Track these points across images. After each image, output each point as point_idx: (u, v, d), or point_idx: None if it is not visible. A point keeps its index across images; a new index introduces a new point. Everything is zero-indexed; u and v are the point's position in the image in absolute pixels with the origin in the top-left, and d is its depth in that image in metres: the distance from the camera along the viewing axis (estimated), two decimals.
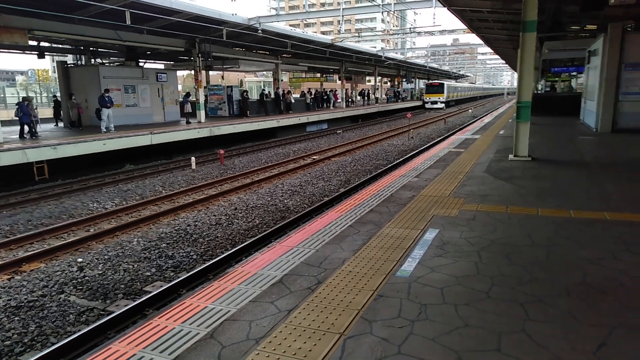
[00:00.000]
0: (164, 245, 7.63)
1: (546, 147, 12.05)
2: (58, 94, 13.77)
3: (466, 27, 20.63)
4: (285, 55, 30.01)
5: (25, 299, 5.72)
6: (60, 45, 22.05)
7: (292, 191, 11.45)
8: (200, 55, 21.62)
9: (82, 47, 22.55)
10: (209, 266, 6.61)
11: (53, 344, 4.79)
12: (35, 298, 5.74)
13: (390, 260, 4.41)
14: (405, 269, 4.19)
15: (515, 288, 3.74)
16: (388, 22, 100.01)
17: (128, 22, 15.09)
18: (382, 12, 25.05)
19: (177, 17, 16.80)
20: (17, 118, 15.97)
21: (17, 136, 15.68)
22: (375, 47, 49.73)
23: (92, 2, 13.77)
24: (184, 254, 7.27)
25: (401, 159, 15.97)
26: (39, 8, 13.77)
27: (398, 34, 45.40)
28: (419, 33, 32.61)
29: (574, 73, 26.14)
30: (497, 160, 10.28)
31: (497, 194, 7.01)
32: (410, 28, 36.93)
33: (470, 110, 48.00)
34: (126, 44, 19.31)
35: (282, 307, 3.59)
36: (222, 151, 16.40)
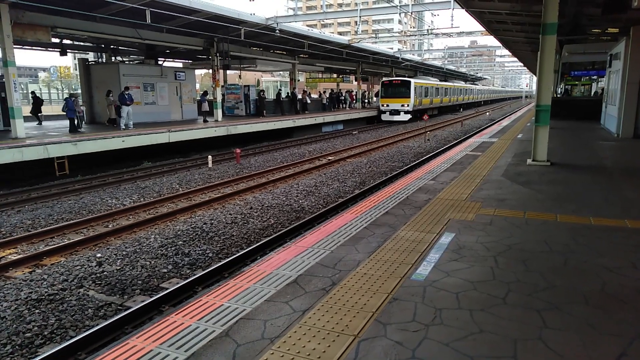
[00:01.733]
0: (180, 242, 7.73)
1: (565, 152, 11.88)
2: (35, 91, 14.08)
3: (484, 29, 20.44)
4: (302, 55, 30.09)
5: (46, 292, 5.84)
6: (81, 43, 22.44)
7: (307, 191, 11.48)
8: (218, 54, 21.81)
9: (103, 45, 22.93)
10: (225, 264, 6.67)
11: (72, 337, 4.89)
12: (56, 291, 5.86)
13: (405, 264, 4.41)
14: (420, 273, 4.19)
15: (531, 295, 3.71)
16: (405, 23, 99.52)
17: (148, 20, 15.30)
18: (400, 13, 24.94)
19: (197, 16, 16.97)
20: (64, 113, 17.30)
21: (67, 130, 16.80)
22: (392, 48, 49.04)
23: (113, 1, 13.99)
24: (200, 252, 7.35)
25: (417, 161, 15.89)
26: (62, 6, 14.05)
27: (415, 35, 45.18)
28: (436, 35, 32.41)
29: (595, 77, 25.70)
30: (515, 164, 10.17)
31: (515, 199, 6.94)
32: (427, 29, 36.72)
33: (487, 114, 47.48)
34: (146, 42, 19.58)
35: (297, 307, 3.61)
36: (238, 150, 16.52)
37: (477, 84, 73.12)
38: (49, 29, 15.07)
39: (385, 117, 34.26)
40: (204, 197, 11.35)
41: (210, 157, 15.98)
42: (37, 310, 5.42)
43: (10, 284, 6.18)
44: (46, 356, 4.34)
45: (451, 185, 8.07)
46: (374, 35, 30.47)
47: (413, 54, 47.78)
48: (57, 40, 19.61)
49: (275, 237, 7.88)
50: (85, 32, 17.25)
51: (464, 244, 4.92)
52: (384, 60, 38.16)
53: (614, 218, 5.88)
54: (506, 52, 37.86)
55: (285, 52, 28.31)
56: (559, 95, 28.03)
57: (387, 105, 34.20)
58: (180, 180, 13.17)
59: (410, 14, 25.40)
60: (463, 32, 30.22)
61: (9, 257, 7.29)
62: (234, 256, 6.95)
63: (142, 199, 10.97)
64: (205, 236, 8.08)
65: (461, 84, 59.37)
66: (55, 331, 5.05)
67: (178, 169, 15.28)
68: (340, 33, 71.74)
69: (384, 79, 36.31)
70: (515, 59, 44.54)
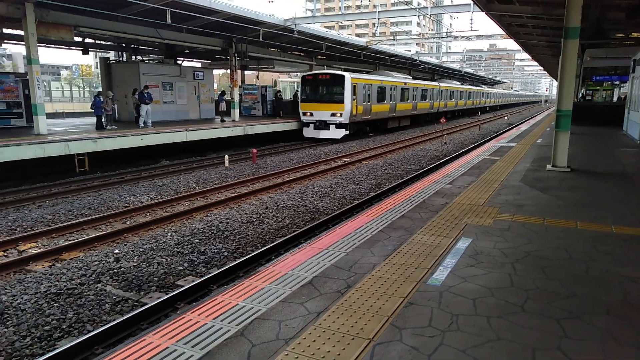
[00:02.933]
0: (196, 240, 7.79)
1: (586, 158, 11.66)
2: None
3: (504, 33, 20.19)
4: (319, 56, 30.12)
5: (65, 286, 5.94)
6: (103, 42, 22.83)
7: (322, 193, 11.47)
8: (236, 54, 21.97)
9: (124, 44, 23.28)
10: (240, 263, 6.70)
11: (89, 331, 4.96)
12: (74, 286, 5.96)
13: (421, 268, 4.37)
14: (436, 278, 4.15)
15: (551, 303, 3.64)
16: (424, 25, 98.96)
17: (168, 20, 15.49)
18: (418, 16, 24.81)
19: (216, 16, 17.12)
20: (92, 110, 17.99)
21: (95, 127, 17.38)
22: (409, 51, 48.78)
23: (135, 1, 14.20)
24: (216, 250, 7.40)
25: (434, 165, 15.76)
26: (85, 5, 14.31)
27: (434, 37, 44.92)
28: (455, 37, 32.12)
29: (617, 82, 25.20)
30: (534, 169, 10.02)
31: (534, 205, 6.83)
32: (446, 32, 36.45)
33: (506, 118, 46.90)
34: (166, 42, 19.82)
35: (312, 309, 3.61)
36: (254, 150, 16.60)
37: (481, 87, 60.36)
38: (72, 28, 15.36)
39: (308, 132, 23.01)
40: (220, 196, 11.43)
41: (227, 156, 16.08)
42: (56, 304, 5.51)
43: (30, 277, 6.30)
44: (64, 349, 4.41)
45: (468, 189, 7.98)
46: (392, 38, 30.27)
47: (431, 57, 47.42)
48: (79, 39, 19.96)
49: (290, 237, 7.90)
50: (107, 32, 17.54)
51: (481, 250, 4.86)
52: (401, 62, 38.01)
53: (637, 226, 5.74)
54: (526, 55, 37.07)
55: (302, 54, 28.38)
56: (578, 100, 27.58)
57: (310, 114, 22.81)
58: (197, 178, 13.29)
59: (429, 16, 25.25)
60: (482, 35, 29.91)
61: (30, 250, 7.44)
62: (249, 256, 6.98)
63: (159, 197, 11.09)
64: (220, 235, 8.14)
65: (456, 84, 46.29)
66: (73, 325, 5.13)
67: (195, 168, 15.42)
68: (358, 35, 71.67)
69: (307, 73, 24.63)
70: (535, 63, 43.96)
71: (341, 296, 3.81)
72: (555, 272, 4.28)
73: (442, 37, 40.26)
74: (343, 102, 22.30)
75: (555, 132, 9.93)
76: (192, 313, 3.61)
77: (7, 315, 5.22)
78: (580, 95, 28.64)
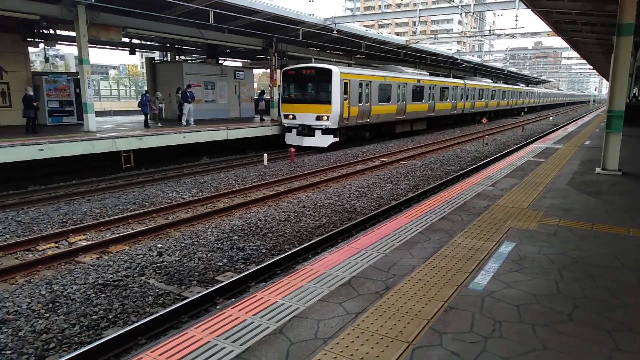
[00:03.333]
0: (235, 237, 7.93)
1: (639, 161, 11.07)
2: (29, 90, 14.57)
3: (551, 30, 19.44)
4: (358, 55, 29.99)
5: (111, 277, 6.19)
6: (149, 43, 23.60)
7: (359, 192, 11.43)
8: (276, 54, 22.19)
9: (168, 45, 24.00)
10: (277, 261, 6.77)
11: (133, 322, 5.15)
12: (120, 278, 6.20)
13: (462, 272, 4.28)
14: (478, 282, 4.05)
15: (601, 313, 3.48)
16: (466, 23, 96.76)
17: (211, 21, 15.82)
18: (461, 14, 24.28)
19: (257, 16, 17.35)
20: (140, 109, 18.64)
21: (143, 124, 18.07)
22: (450, 49, 47.78)
23: (179, 2, 14.59)
24: (254, 247, 7.51)
25: (474, 166, 15.40)
26: (133, 7, 14.82)
27: (476, 35, 43.80)
28: (498, 35, 31.21)
29: None
30: (582, 172, 9.61)
31: (582, 209, 6.55)
32: (489, 30, 35.47)
33: (551, 118, 45.22)
34: (208, 42, 20.26)
35: (350, 309, 3.60)
36: (293, 149, 16.72)
37: (520, 85, 55.25)
38: (121, 29, 15.96)
39: (290, 139, 19.35)
40: (258, 194, 11.59)
41: (266, 155, 16.29)
42: (103, 295, 5.74)
43: (79, 268, 6.59)
44: (110, 338, 4.59)
45: (512, 192, 7.74)
46: (432, 36, 29.75)
47: (472, 55, 46.29)
48: (126, 40, 20.75)
49: (327, 236, 7.91)
50: (153, 32, 18.12)
51: (526, 255, 4.70)
52: (442, 61, 37.31)
53: None
54: (574, 53, 35.51)
55: (341, 53, 28.33)
56: (633, 100, 26.20)
57: (293, 117, 19.22)
58: (236, 176, 13.52)
59: (471, 14, 24.67)
60: (527, 32, 28.89)
61: (80, 243, 7.79)
62: (286, 253, 7.03)
63: (200, 194, 11.36)
64: (259, 232, 8.25)
65: (487, 82, 40.91)
66: (118, 315, 5.33)
67: (235, 166, 15.70)
68: (397, 33, 70.86)
69: (288, 67, 20.27)
70: (584, 61, 42.10)
71: (380, 297, 3.78)
72: (606, 280, 4.08)
73: (484, 35, 39.20)
74: (330, 103, 18.50)
75: (605, 134, 9.48)
76: (232, 309, 3.68)
77: (58, 304, 5.48)
78: (632, 95, 27.22)
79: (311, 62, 20.79)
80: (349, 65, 26.93)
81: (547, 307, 3.57)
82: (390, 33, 54.38)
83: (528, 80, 67.41)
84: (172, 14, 16.29)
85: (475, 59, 43.32)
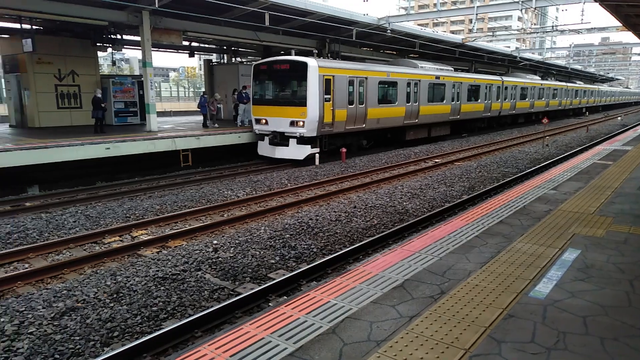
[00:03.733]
0: (287, 235, 8.03)
1: None
2: (98, 92, 15.45)
3: (620, 25, 18.21)
4: (412, 55, 29.52)
5: (170, 271, 6.45)
6: (207, 45, 24.42)
7: (411, 194, 11.24)
8: (329, 54, 22.27)
9: (225, 47, 24.72)
10: (328, 260, 6.79)
11: (190, 315, 5.34)
12: (178, 272, 6.45)
13: (522, 278, 4.10)
14: (539, 290, 3.86)
15: None
16: (526, 20, 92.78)
17: (266, 23, 16.12)
18: (521, 10, 23.28)
19: (311, 17, 17.49)
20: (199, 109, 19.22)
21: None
22: (509, 47, 45.79)
23: (237, 5, 14.98)
24: (305, 246, 7.57)
25: (534, 168, 14.72)
26: (192, 12, 15.40)
27: (537, 32, 41.87)
28: (562, 31, 29.64)
29: None
30: None
31: None
32: (552, 25, 33.79)
33: (619, 118, 42.41)
34: (263, 43, 20.67)
35: (404, 312, 3.54)
36: (344, 149, 16.72)
37: (578, 83, 48.27)
38: (181, 33, 16.63)
39: (262, 149, 16.27)
40: (310, 193, 11.68)
41: (317, 155, 16.38)
42: (162, 287, 6.00)
43: (141, 261, 6.93)
44: (169, 330, 4.78)
45: (576, 196, 7.33)
46: (490, 34, 28.76)
47: (533, 53, 44.24)
48: (186, 43, 21.58)
49: (378, 237, 7.84)
50: (211, 35, 18.73)
51: (592, 263, 4.44)
52: (499, 59, 35.98)
53: None
54: None
55: (395, 52, 28.00)
56: None
57: (265, 122, 15.93)
58: (289, 176, 13.70)
59: (533, 10, 23.60)
60: (594, 27, 27.23)
61: (141, 237, 8.19)
62: (337, 253, 7.04)
63: (254, 192, 11.62)
64: (310, 231, 8.31)
65: (533, 79, 35.09)
66: (176, 308, 5.54)
67: (287, 166, 15.91)
68: (452, 32, 69.12)
69: (260, 61, 17.10)
70: None
71: (434, 302, 3.70)
72: None
73: (547, 32, 37.38)
74: (305, 105, 14.98)
75: None
76: (285, 307, 3.72)
77: (121, 295, 5.79)
78: None
79: (289, 56, 16.74)
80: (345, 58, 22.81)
81: (617, 320, 3.34)
82: (445, 31, 53.15)
83: (593, 78, 63.60)
84: (229, 17, 16.75)
85: (535, 56, 41.43)
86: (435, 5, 22.52)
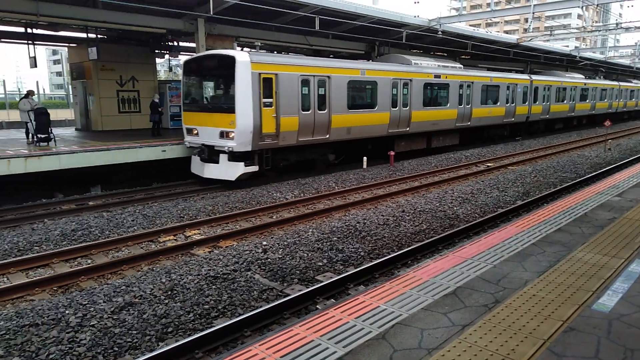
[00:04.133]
0: (335, 238, 8.04)
1: None
2: (156, 97, 15.74)
3: None
4: (464, 56, 28.79)
5: (221, 271, 6.62)
6: (257, 50, 24.93)
7: (462, 199, 10.95)
8: (378, 57, 22.14)
9: (275, 52, 25.15)
10: (376, 265, 6.73)
11: (240, 314, 5.45)
12: (228, 272, 6.61)
13: (583, 290, 3.88)
14: (603, 303, 3.64)
15: None
16: (587, 18, 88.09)
17: (317, 27, 16.26)
18: (582, 7, 22.14)
19: (361, 21, 17.48)
20: None
21: None
22: (567, 46, 43.58)
23: (288, 11, 15.22)
24: (353, 250, 7.55)
25: (595, 173, 13.93)
26: (245, 18, 15.79)
27: (599, 30, 39.68)
28: (627, 29, 27.92)
29: None
30: None
31: None
32: (616, 23, 31.91)
33: None
34: (313, 47, 20.86)
35: (456, 320, 3.45)
36: (392, 152, 16.54)
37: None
38: (234, 39, 17.09)
39: (194, 165, 13.33)
40: (357, 196, 11.64)
41: (365, 158, 16.30)
42: (213, 286, 6.16)
43: (194, 260, 7.15)
44: (220, 328, 4.90)
45: None
46: (547, 33, 27.55)
47: (594, 52, 41.93)
48: (239, 49, 22.12)
49: (427, 243, 7.69)
50: (263, 41, 19.11)
51: None
52: (557, 59, 34.39)
53: None
54: None
55: (446, 54, 27.43)
56: None
57: (196, 133, 13.09)
58: (336, 179, 13.72)
59: (594, 6, 22.39)
60: None
61: (194, 237, 8.47)
62: (385, 258, 6.97)
63: (302, 194, 11.72)
64: (357, 235, 8.27)
65: (572, 78, 30.32)
66: (227, 307, 5.68)
67: (335, 169, 15.93)
68: (506, 32, 66.86)
69: (192, 57, 14.50)
70: None
71: (488, 311, 3.58)
72: None
73: (609, 30, 35.35)
74: (233, 111, 11.88)
75: None
76: (334, 310, 3.72)
77: (175, 292, 6.00)
78: None
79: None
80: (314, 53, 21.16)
81: None
82: (498, 32, 51.46)
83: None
84: (280, 22, 17.04)
85: (597, 56, 39.31)
86: (488, 5, 21.88)
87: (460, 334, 3.25)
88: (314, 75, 13.54)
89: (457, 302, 3.75)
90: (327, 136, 14.23)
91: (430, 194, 11.56)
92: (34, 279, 6.62)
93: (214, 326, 5.06)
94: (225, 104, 12.38)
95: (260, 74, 12.01)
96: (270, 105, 12.32)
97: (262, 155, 12.77)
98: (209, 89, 13.80)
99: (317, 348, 3.13)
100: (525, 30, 25.36)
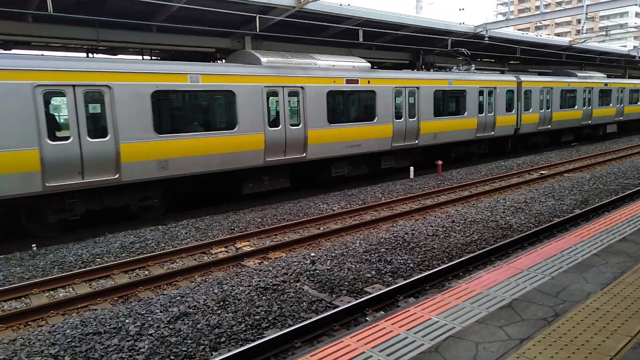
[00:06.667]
0: (383, 249, 7.97)
1: None
2: None
3: None
4: (512, 62, 27.96)
5: (271, 282, 6.71)
6: None
7: (515, 207, 10.56)
8: (423, 66, 21.92)
9: None
10: (426, 276, 6.61)
11: (290, 325, 5.50)
12: (278, 283, 6.69)
13: None
14: None
15: None
16: None
17: (360, 39, 16.35)
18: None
19: (405, 30, 17.41)
20: None
21: None
22: (625, 47, 41.32)
23: (332, 24, 15.42)
24: (402, 261, 7.45)
25: None
26: (289, 33, 16.13)
27: None
28: None
29: None
30: None
31: None
32: None
33: None
34: None
35: (513, 334, 3.33)
36: (440, 162, 16.24)
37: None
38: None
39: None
40: (404, 207, 11.50)
41: (412, 167, 16.10)
42: (264, 297, 6.26)
43: (244, 271, 7.30)
44: (271, 339, 4.97)
45: None
46: (603, 33, 26.28)
47: None
48: None
49: (479, 254, 7.47)
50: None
51: None
52: (614, 60, 32.70)
53: None
54: None
55: (493, 60, 26.74)
56: None
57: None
58: (382, 189, 13.62)
59: None
60: None
61: (244, 248, 8.65)
62: (436, 269, 6.82)
63: (348, 206, 11.72)
64: (406, 246, 8.16)
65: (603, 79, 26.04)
66: (277, 318, 5.75)
67: (380, 179, 15.83)
68: (556, 34, 64.46)
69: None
70: None
71: (548, 325, 3.42)
72: None
73: None
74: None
75: None
76: (385, 322, 3.69)
77: (227, 302, 6.14)
78: None
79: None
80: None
81: None
82: (549, 34, 49.65)
83: None
84: (324, 36, 17.27)
85: None
86: (537, 8, 21.16)
87: (518, 348, 3.13)
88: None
89: (513, 315, 3.62)
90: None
91: (480, 204, 11.24)
92: (97, 289, 6.99)
93: (265, 337, 5.13)
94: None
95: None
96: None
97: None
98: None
99: None
100: (579, 31, 24.33)
